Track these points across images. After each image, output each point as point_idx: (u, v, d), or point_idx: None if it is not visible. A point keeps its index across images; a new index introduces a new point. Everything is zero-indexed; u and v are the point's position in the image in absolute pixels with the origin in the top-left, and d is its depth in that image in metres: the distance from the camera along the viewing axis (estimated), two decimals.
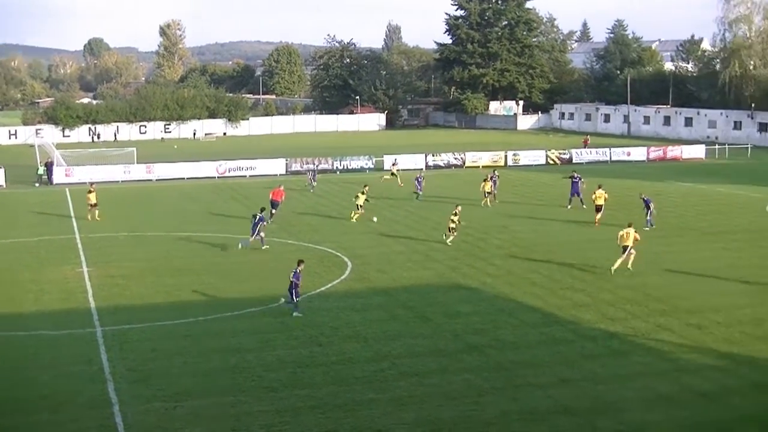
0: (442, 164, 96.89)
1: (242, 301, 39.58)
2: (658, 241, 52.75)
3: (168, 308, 38.73)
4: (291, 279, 37.56)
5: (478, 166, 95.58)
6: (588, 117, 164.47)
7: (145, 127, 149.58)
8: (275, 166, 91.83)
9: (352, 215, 60.41)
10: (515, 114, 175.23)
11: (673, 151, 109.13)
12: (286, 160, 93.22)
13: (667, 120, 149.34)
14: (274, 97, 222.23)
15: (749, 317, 36.82)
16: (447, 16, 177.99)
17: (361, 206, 60.31)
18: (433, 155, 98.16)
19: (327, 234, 55.79)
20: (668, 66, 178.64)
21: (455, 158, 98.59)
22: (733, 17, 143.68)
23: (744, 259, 47.90)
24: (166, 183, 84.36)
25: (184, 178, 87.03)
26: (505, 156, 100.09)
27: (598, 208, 58.79)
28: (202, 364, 31.23)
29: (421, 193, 70.27)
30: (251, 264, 47.50)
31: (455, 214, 52.31)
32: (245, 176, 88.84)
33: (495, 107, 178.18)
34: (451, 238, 51.99)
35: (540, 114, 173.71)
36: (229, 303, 39.40)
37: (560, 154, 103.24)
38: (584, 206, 63.69)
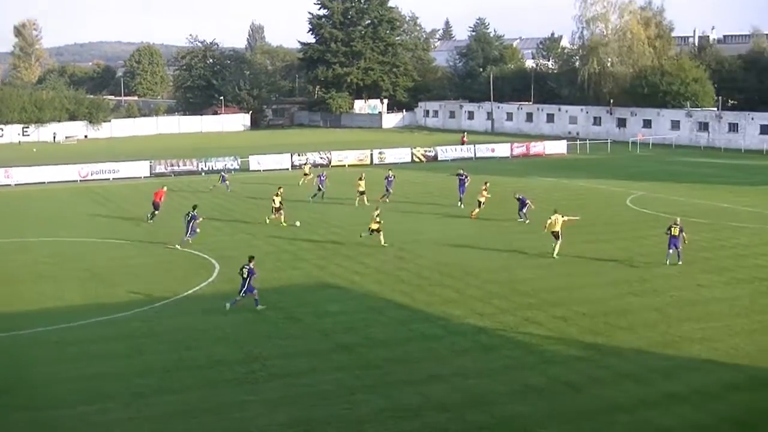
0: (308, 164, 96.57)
1: (110, 307, 38.81)
2: (522, 236, 53.63)
3: (33, 316, 37.69)
4: (243, 276, 37.90)
5: (344, 165, 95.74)
6: (452, 114, 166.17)
7: (2, 130, 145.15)
8: (139, 169, 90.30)
9: (274, 219, 58.42)
10: (380, 112, 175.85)
11: (536, 147, 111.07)
12: (150, 162, 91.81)
13: (529, 116, 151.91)
14: (136, 98, 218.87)
15: (613, 308, 37.66)
16: (310, 16, 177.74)
17: (278, 209, 58.59)
18: (298, 155, 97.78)
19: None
20: (529, 63, 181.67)
21: (321, 157, 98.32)
22: (591, 15, 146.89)
23: (608, 252, 48.90)
24: (26, 188, 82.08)
25: (44, 183, 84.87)
26: (371, 154, 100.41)
27: (479, 203, 60.75)
28: (69, 372, 30.52)
29: (324, 191, 69.30)
30: (120, 268, 46.62)
31: (376, 217, 51.13)
32: (108, 179, 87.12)
33: (360, 106, 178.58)
34: (382, 239, 50.93)
35: (405, 112, 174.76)
36: (97, 308, 38.61)
37: (425, 151, 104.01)
38: (461, 205, 64.39)
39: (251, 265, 38.28)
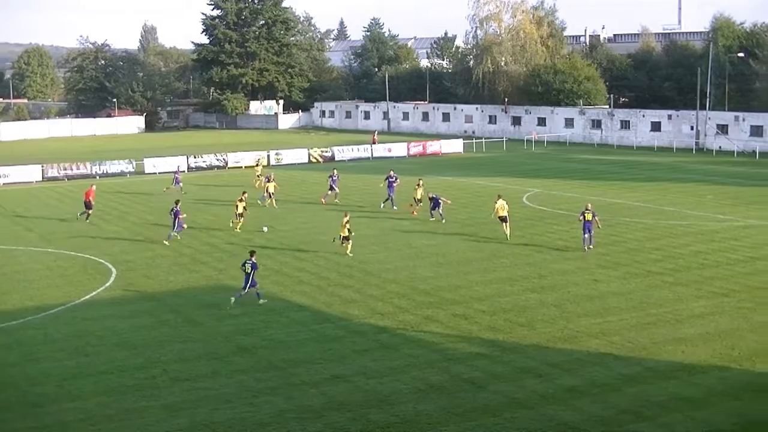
0: (204, 166, 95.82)
1: (2, 315, 37.92)
2: (421, 235, 53.89)
3: None
4: (246, 271, 38.87)
5: (241, 167, 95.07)
6: (348, 114, 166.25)
7: None
8: (31, 173, 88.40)
9: (232, 225, 56.47)
10: (276, 113, 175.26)
11: (433, 146, 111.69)
12: (42, 166, 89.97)
13: (425, 116, 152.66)
14: (26, 101, 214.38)
15: (512, 305, 38.04)
16: (203, 16, 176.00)
17: (241, 214, 56.14)
18: (194, 157, 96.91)
19: (89, 240, 54.18)
20: (424, 63, 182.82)
21: (217, 159, 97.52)
22: (484, 15, 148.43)
23: (505, 249, 49.36)
24: None
25: None
26: (268, 156, 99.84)
27: (418, 201, 61.19)
28: None
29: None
30: (12, 275, 45.60)
31: (346, 224, 48.55)
32: None
33: (255, 107, 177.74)
34: (349, 248, 48.67)
35: (301, 113, 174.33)
36: None
37: (322, 152, 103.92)
38: (395, 208, 63.62)
39: (253, 259, 39.03)
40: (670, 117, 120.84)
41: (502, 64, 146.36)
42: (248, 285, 38.74)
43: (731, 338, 33.29)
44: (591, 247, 48.29)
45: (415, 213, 60.70)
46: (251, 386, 28.83)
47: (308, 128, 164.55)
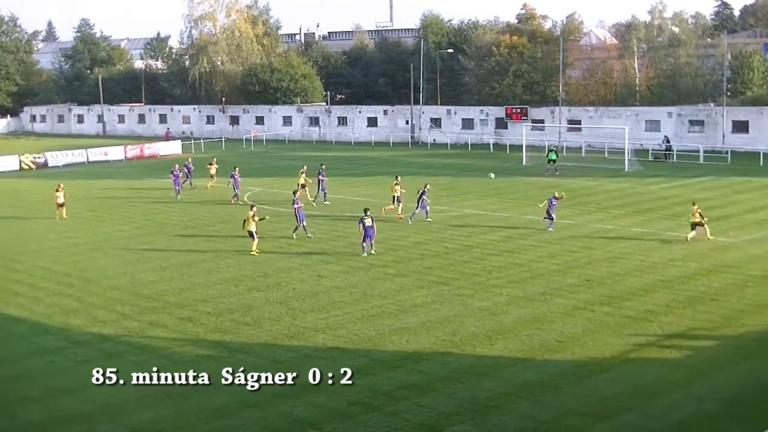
0: None
1: None
2: (140, 240, 52.98)
3: None
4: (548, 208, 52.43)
5: None
6: (61, 118, 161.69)
7: None
8: None
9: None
10: None
11: (151, 149, 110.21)
12: None
13: (142, 118, 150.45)
14: None
15: (237, 305, 37.87)
16: None
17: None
18: None
19: None
20: (139, 64, 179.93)
21: None
22: (198, 15, 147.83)
23: (228, 248, 49.09)
24: None
25: None
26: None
27: (395, 199, 59.44)
28: None
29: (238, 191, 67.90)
30: None
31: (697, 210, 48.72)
32: None
33: None
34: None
35: (9, 117, 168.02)
36: None
37: (35, 158, 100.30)
38: (326, 202, 64.06)
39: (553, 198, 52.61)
40: (385, 112, 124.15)
41: (219, 63, 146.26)
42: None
43: (452, 324, 34.38)
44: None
45: (399, 215, 58.49)
46: None
47: (18, 134, 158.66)
